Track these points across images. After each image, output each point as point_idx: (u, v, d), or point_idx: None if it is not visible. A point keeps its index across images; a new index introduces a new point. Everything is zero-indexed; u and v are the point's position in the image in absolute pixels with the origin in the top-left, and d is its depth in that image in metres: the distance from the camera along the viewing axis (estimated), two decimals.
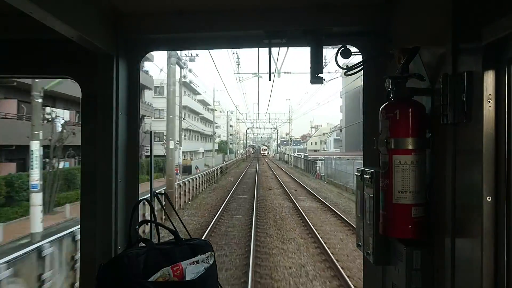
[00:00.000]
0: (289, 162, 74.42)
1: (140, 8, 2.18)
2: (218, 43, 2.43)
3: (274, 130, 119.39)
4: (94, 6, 1.97)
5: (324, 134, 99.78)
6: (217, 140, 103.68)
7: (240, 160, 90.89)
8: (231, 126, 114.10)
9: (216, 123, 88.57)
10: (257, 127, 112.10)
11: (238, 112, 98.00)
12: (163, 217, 11.40)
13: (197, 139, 70.44)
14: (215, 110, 76.44)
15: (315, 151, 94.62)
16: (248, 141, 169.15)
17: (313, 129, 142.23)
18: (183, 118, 38.45)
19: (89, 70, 2.17)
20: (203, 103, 74.23)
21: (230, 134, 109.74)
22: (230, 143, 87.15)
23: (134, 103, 2.27)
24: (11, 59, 2.31)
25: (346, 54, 2.04)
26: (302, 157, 68.25)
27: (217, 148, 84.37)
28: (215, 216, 17.24)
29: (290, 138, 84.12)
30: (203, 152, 70.01)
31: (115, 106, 2.13)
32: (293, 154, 77.28)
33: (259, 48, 2.31)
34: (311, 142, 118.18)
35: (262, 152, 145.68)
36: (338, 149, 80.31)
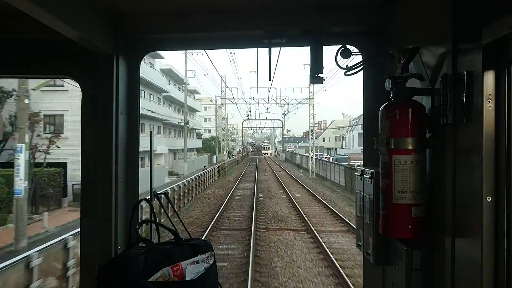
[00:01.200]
0: (308, 168, 43.04)
1: (140, 8, 2.18)
2: (218, 43, 2.43)
3: (278, 122, 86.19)
4: (94, 6, 1.97)
5: (339, 128, 79.17)
6: (206, 135, 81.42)
7: (231, 163, 62.05)
8: (223, 118, 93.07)
9: (198, 111, 65.66)
10: (256, 118, 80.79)
11: (225, 85, 51.06)
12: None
13: (158, 132, 41.98)
14: (190, 95, 54.27)
15: (328, 149, 78.20)
16: (245, 137, 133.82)
17: (316, 125, 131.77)
18: None
19: (89, 70, 2.17)
20: (173, 77, 47.83)
21: (222, 129, 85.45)
22: (222, 140, 64.29)
23: (134, 103, 2.27)
24: (11, 59, 2.31)
25: (346, 54, 2.04)
26: (330, 160, 43.31)
27: (201, 146, 66.16)
28: None
29: (311, 130, 47.38)
30: (165, 153, 40.71)
31: (115, 106, 2.13)
32: (315, 155, 43.64)
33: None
34: (324, 138, 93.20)
35: (263, 152, 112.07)
36: None
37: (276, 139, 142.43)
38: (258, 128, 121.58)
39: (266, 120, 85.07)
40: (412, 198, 1.56)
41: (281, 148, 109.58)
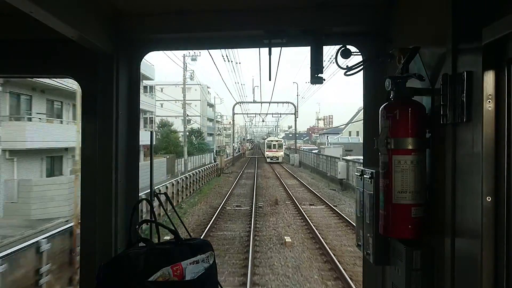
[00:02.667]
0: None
1: (140, 8, 2.18)
2: (218, 43, 2.43)
3: (288, 108, 58.44)
4: (94, 6, 1.97)
5: None
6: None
7: (202, 180, 29.17)
8: (210, 105, 69.32)
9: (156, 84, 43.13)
10: (254, 101, 53.58)
11: None
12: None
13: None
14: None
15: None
16: (241, 131, 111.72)
17: (319, 121, 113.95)
18: None
19: (89, 70, 2.17)
20: None
21: (209, 119, 66.00)
22: (209, 134, 53.94)
23: (134, 103, 2.27)
24: (11, 59, 2.31)
25: (346, 54, 2.04)
26: None
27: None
28: None
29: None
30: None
31: (115, 106, 2.14)
32: (348, 159, 26.00)
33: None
34: (350, 132, 66.80)
35: (268, 153, 59.30)
36: None
37: (279, 135, 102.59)
38: (257, 117, 79.67)
39: (270, 102, 51.80)
40: (412, 198, 1.56)
41: (286, 145, 68.75)
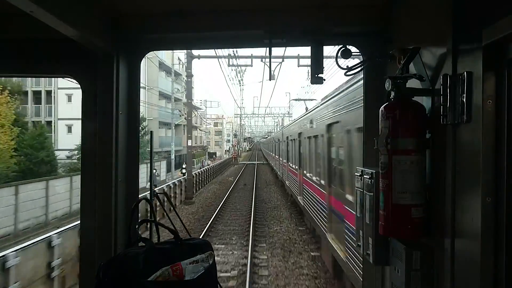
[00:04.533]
0: None
1: (140, 8, 2.18)
2: (218, 43, 2.44)
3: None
4: (95, 6, 1.97)
5: None
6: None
7: None
8: (168, 72, 39.74)
9: None
10: (252, 55, 18.26)
11: None
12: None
13: None
14: None
15: None
16: (226, 128, 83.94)
17: None
18: None
19: (89, 70, 2.17)
20: None
21: (165, 96, 40.61)
22: (166, 125, 37.82)
23: (134, 103, 2.27)
24: (11, 59, 2.31)
25: (346, 54, 2.03)
26: None
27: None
28: None
29: None
30: None
31: (115, 106, 2.14)
32: None
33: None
34: None
35: None
36: None
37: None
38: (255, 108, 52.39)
39: (283, 58, 15.02)
40: (412, 199, 1.56)
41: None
